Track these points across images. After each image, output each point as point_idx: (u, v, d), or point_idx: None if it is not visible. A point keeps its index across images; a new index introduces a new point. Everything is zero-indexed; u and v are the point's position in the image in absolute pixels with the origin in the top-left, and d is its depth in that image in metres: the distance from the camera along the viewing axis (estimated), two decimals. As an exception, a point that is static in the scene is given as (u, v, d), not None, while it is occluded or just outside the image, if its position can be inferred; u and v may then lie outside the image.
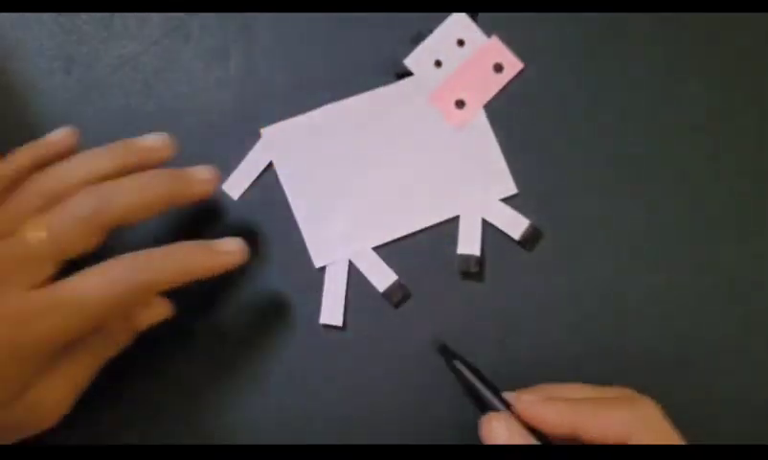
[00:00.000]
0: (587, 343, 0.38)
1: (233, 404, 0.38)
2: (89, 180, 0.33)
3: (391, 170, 0.40)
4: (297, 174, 0.40)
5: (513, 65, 0.41)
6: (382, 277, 0.39)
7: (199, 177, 0.35)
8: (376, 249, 0.39)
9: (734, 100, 0.41)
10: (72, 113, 0.41)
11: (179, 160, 0.40)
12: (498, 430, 0.30)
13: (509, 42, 0.41)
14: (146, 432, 0.38)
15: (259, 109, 0.41)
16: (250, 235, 0.40)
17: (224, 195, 0.40)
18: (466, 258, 0.39)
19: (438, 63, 0.41)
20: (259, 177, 0.40)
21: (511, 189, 0.40)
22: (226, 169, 0.40)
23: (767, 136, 0.40)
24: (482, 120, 0.40)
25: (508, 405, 0.31)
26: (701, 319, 0.38)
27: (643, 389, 0.38)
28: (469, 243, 0.39)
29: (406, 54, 0.41)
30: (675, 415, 0.38)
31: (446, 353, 0.34)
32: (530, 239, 0.39)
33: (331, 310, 0.39)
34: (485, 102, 0.41)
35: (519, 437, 0.29)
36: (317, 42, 0.41)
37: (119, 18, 0.42)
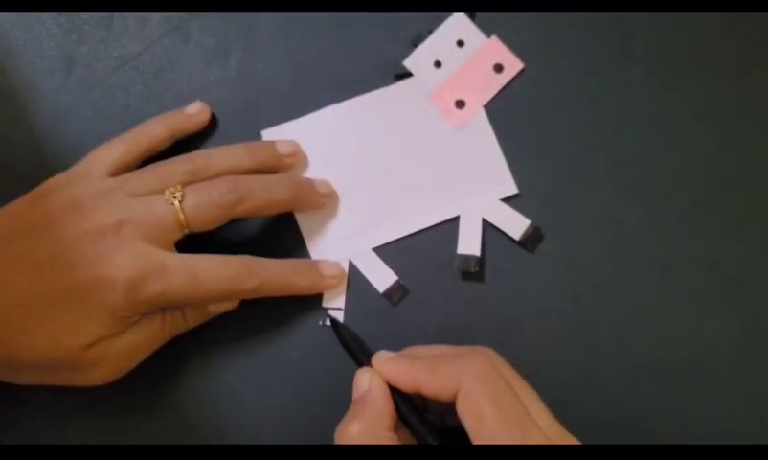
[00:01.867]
0: (587, 343, 0.38)
1: (232, 404, 0.38)
2: (231, 172, 0.36)
3: (391, 170, 0.40)
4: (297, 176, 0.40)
5: (513, 65, 0.41)
6: (382, 277, 0.39)
7: (320, 190, 0.39)
8: (376, 249, 0.39)
9: (734, 99, 0.41)
10: (72, 113, 0.41)
11: (179, 160, 0.40)
12: (361, 380, 0.33)
13: (509, 42, 0.41)
14: (145, 432, 0.38)
15: (259, 109, 0.41)
16: (250, 236, 0.40)
17: None
18: (466, 258, 0.39)
19: (437, 64, 0.41)
20: None
21: (512, 189, 0.40)
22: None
23: (767, 136, 0.40)
24: (482, 120, 0.40)
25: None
26: (701, 319, 0.38)
27: (644, 388, 0.38)
28: (469, 243, 0.39)
29: (406, 54, 0.41)
30: (674, 413, 0.38)
31: (334, 324, 0.35)
32: (531, 239, 0.39)
33: (332, 311, 0.39)
34: (485, 102, 0.41)
35: (378, 386, 0.32)
36: (317, 42, 0.41)
37: (119, 18, 0.42)
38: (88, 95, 0.41)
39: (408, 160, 0.40)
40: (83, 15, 0.42)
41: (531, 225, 0.39)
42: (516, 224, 0.39)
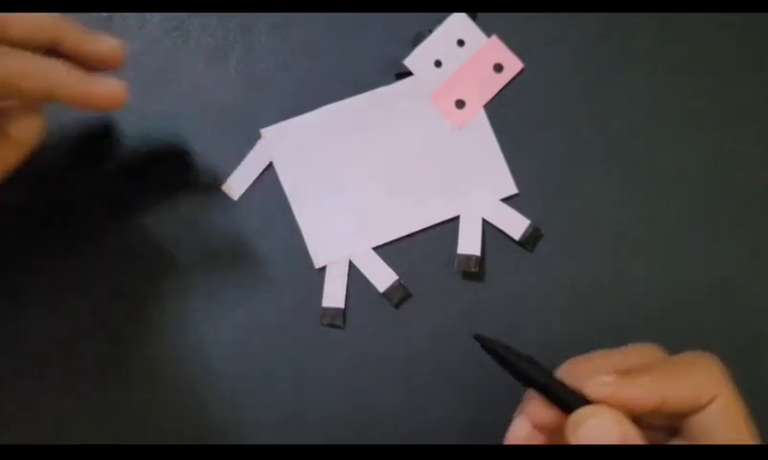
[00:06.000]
0: (587, 343, 0.38)
1: (233, 404, 0.38)
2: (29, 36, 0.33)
3: (391, 170, 0.40)
4: (297, 175, 0.40)
5: (513, 65, 0.41)
6: (382, 277, 0.39)
7: (101, 88, 0.34)
8: (376, 249, 0.39)
9: (734, 100, 0.41)
10: (72, 113, 0.41)
11: (178, 159, 0.40)
12: (603, 427, 0.27)
13: (509, 42, 0.41)
14: (145, 432, 0.38)
15: (259, 109, 0.41)
16: (250, 236, 0.40)
17: (224, 195, 0.40)
18: (466, 258, 0.39)
19: (438, 63, 0.41)
20: (259, 178, 0.40)
21: (512, 189, 0.40)
22: (226, 169, 0.40)
23: (767, 136, 0.40)
24: (482, 120, 0.40)
25: (582, 396, 0.28)
26: (701, 319, 0.38)
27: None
28: (469, 243, 0.39)
29: (406, 54, 0.41)
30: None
31: (484, 341, 0.31)
32: (531, 239, 0.39)
33: (332, 311, 0.39)
34: (485, 102, 0.41)
35: (629, 430, 0.27)
36: (317, 42, 0.41)
37: (119, 18, 0.42)
38: (88, 95, 0.41)
39: (408, 159, 0.40)
40: (83, 15, 0.42)
41: (531, 225, 0.39)
42: (516, 224, 0.39)
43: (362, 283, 0.39)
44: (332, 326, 0.39)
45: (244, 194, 0.40)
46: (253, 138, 0.40)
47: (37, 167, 0.39)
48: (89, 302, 0.39)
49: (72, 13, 0.42)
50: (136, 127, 0.41)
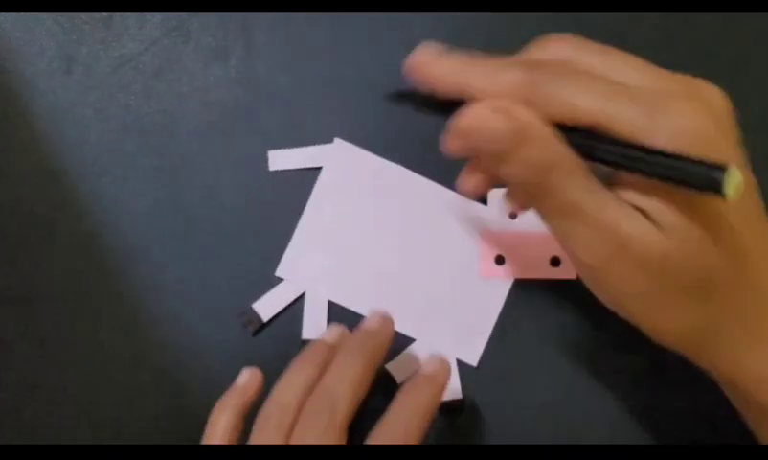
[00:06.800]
0: (588, 342, 0.38)
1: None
2: (307, 390, 0.33)
3: (400, 257, 0.39)
4: (330, 196, 0.40)
5: (569, 271, 0.38)
6: (313, 328, 0.38)
7: (386, 330, 0.35)
8: (331, 303, 0.39)
9: (734, 101, 0.40)
10: (72, 113, 0.41)
11: (177, 162, 0.40)
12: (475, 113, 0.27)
13: (509, 42, 0.41)
14: (145, 432, 0.38)
15: (259, 109, 0.41)
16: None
17: (264, 160, 0.40)
18: (388, 376, 0.38)
19: (513, 215, 0.39)
20: (304, 170, 0.40)
21: (473, 360, 0.38)
22: (226, 168, 0.40)
23: (767, 136, 0.40)
24: (503, 289, 0.39)
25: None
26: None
27: (644, 387, 0.38)
28: (401, 369, 0.38)
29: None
30: (675, 413, 0.38)
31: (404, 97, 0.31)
32: (452, 409, 0.38)
33: (254, 317, 0.38)
34: (521, 277, 0.39)
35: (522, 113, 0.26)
36: (317, 42, 0.41)
37: (119, 18, 0.42)
38: (88, 95, 0.41)
39: (418, 264, 0.39)
40: (83, 15, 0.42)
41: (460, 400, 0.38)
42: (450, 390, 0.37)
43: (297, 319, 0.39)
44: (245, 328, 0.38)
45: (281, 171, 0.40)
46: (252, 138, 0.40)
47: (42, 172, 0.39)
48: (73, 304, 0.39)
49: (72, 13, 0.42)
50: (136, 128, 0.41)
